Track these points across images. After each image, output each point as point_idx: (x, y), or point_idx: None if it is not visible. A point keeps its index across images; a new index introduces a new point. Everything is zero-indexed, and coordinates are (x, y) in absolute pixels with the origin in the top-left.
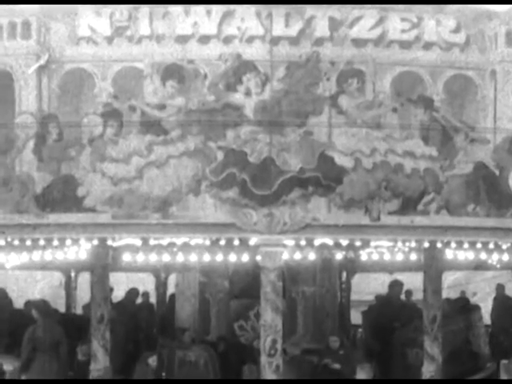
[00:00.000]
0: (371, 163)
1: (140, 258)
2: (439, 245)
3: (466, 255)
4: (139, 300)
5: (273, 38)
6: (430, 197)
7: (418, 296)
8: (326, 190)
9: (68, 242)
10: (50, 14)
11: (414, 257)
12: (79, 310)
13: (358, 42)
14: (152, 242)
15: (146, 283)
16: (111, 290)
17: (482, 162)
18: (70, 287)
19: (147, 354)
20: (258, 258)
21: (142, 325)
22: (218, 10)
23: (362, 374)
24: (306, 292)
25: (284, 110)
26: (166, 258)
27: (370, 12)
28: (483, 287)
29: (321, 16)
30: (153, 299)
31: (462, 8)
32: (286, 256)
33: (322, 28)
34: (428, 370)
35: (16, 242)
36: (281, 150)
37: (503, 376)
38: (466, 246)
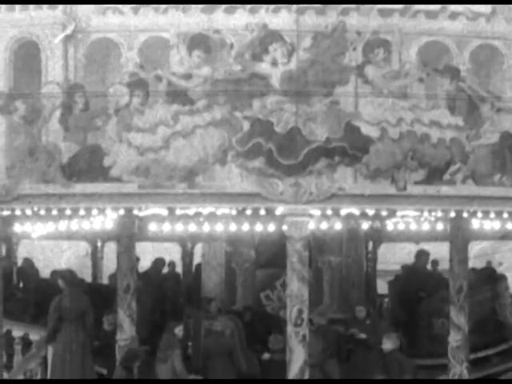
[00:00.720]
0: (397, 133)
1: (166, 227)
2: (465, 214)
3: (492, 225)
4: (165, 270)
5: (299, 7)
6: (456, 166)
7: (444, 266)
8: (352, 160)
9: (94, 211)
10: None
11: (440, 226)
12: (105, 280)
13: (384, 12)
14: (178, 211)
15: (172, 253)
16: (137, 259)
17: (509, 132)
18: (96, 257)
19: (173, 324)
20: (284, 227)
21: (168, 295)
22: None
23: (388, 344)
24: (332, 262)
25: (310, 80)
26: (192, 227)
27: None
28: (509, 257)
29: None
30: (179, 269)
31: None
32: (312, 226)
33: None
34: (454, 340)
35: (42, 212)
36: (307, 119)
37: None
38: (492, 215)
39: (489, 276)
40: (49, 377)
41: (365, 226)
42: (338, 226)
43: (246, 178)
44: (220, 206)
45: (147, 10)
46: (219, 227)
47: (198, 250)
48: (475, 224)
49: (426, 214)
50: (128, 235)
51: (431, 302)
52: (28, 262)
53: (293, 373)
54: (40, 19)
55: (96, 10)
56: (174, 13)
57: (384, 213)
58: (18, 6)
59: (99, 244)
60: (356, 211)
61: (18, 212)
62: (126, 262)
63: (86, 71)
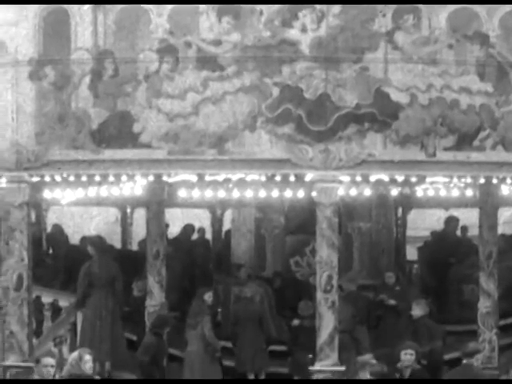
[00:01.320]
0: (427, 99)
1: (196, 193)
2: (495, 180)
3: None
4: (195, 236)
5: None
6: (486, 133)
7: (473, 232)
8: (381, 126)
9: (124, 177)
10: None
11: (469, 193)
12: (135, 246)
13: None
14: (208, 177)
15: (201, 219)
16: (167, 225)
17: None
18: (125, 223)
19: (203, 290)
20: (314, 193)
21: (197, 261)
22: None
23: (417, 310)
24: (361, 228)
25: (340, 46)
26: (221, 193)
27: None
28: None
29: None
30: (208, 235)
31: None
32: (341, 192)
33: None
34: (484, 306)
35: (72, 178)
36: (336, 85)
37: None
38: None
39: None
40: (78, 343)
41: (394, 192)
42: (368, 192)
43: (276, 144)
44: (249, 172)
45: None
46: (249, 193)
47: (228, 216)
48: (504, 190)
49: (455, 180)
50: (157, 201)
51: (461, 268)
52: (57, 228)
53: (322, 339)
54: None
55: None
56: None
57: (413, 179)
58: None
59: (129, 210)
60: (385, 177)
61: (47, 178)
62: (156, 228)
63: (116, 37)
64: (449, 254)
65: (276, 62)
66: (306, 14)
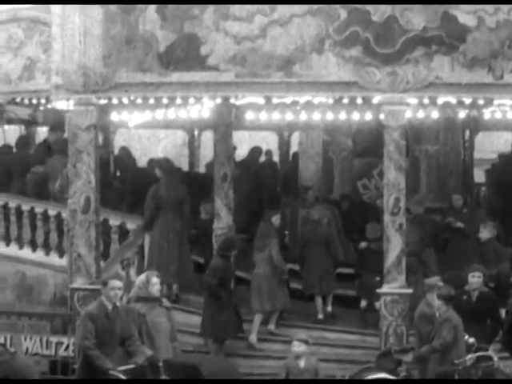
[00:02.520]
0: (494, 22)
1: (263, 116)
2: None
3: None
4: (262, 158)
5: None
6: None
7: None
8: (449, 49)
9: (191, 100)
10: None
11: None
12: (202, 169)
13: None
14: (275, 100)
15: (269, 142)
16: (234, 148)
17: None
18: (193, 146)
19: (270, 213)
20: (381, 116)
21: (265, 183)
22: None
23: (485, 233)
24: (429, 150)
25: None
26: (289, 116)
27: None
28: None
29: None
30: (276, 158)
31: None
32: (409, 114)
33: None
34: None
35: (139, 101)
36: (404, 9)
37: None
38: None
39: None
40: (146, 266)
41: (461, 114)
42: (435, 114)
43: (343, 66)
44: (317, 94)
45: None
46: (316, 116)
47: (295, 138)
48: None
49: None
50: (225, 124)
51: None
52: (125, 150)
53: (389, 262)
54: None
55: None
56: None
57: (481, 101)
58: None
59: (196, 133)
60: (453, 100)
61: (114, 101)
62: (223, 150)
63: None
64: None
65: None
66: None
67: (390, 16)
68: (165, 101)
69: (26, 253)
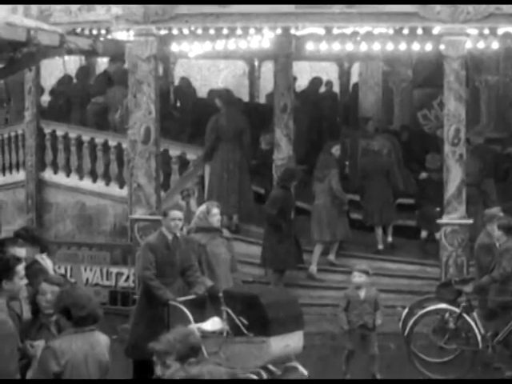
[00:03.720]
0: None
1: (323, 46)
2: None
3: None
4: (322, 89)
5: None
6: None
7: None
8: None
9: (251, 30)
10: None
11: None
12: (262, 99)
13: None
14: (335, 31)
15: (329, 72)
16: (294, 79)
17: None
18: (253, 76)
19: (330, 143)
20: (442, 46)
21: (325, 114)
22: None
23: None
24: (489, 81)
25: None
26: (349, 46)
27: None
28: None
29: None
30: (336, 88)
31: None
32: (469, 45)
33: None
34: None
35: (199, 31)
36: None
37: None
38: None
39: None
40: (206, 196)
41: None
42: (495, 45)
43: None
44: (377, 25)
45: None
46: (376, 46)
47: (356, 69)
48: None
49: None
50: (285, 54)
51: None
52: (185, 81)
53: (450, 192)
54: None
55: None
56: None
57: None
58: None
59: (256, 63)
60: None
61: (175, 31)
62: (283, 81)
63: None
64: None
65: None
66: None
67: None
68: (225, 31)
69: (86, 183)
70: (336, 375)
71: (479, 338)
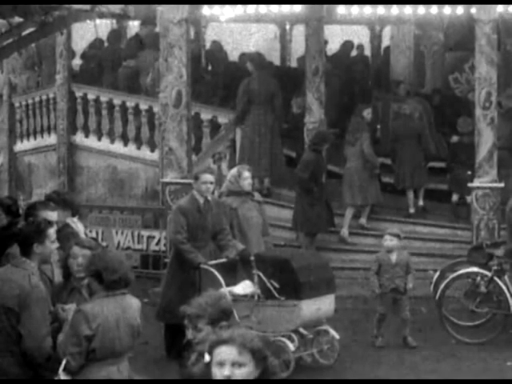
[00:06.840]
0: None
1: (355, 10)
2: None
3: None
4: (354, 53)
5: None
6: None
7: None
8: None
9: None
10: None
11: None
12: (294, 63)
13: None
14: None
15: (360, 36)
16: (326, 42)
17: None
18: (284, 40)
19: (362, 107)
20: (473, 10)
21: (356, 77)
22: None
23: None
24: None
25: None
26: (380, 10)
27: None
28: None
29: None
30: (367, 52)
31: None
32: (500, 9)
33: None
34: None
35: None
36: None
37: None
38: None
39: None
40: (237, 160)
41: None
42: None
43: None
44: None
45: None
46: (408, 10)
47: (387, 32)
48: None
49: None
50: (317, 18)
51: None
52: (216, 44)
53: (481, 155)
54: None
55: None
56: None
57: None
58: None
59: (288, 27)
60: None
61: None
62: (315, 44)
63: None
64: None
65: None
66: None
67: None
68: None
69: (118, 147)
70: (367, 339)
71: (510, 301)
